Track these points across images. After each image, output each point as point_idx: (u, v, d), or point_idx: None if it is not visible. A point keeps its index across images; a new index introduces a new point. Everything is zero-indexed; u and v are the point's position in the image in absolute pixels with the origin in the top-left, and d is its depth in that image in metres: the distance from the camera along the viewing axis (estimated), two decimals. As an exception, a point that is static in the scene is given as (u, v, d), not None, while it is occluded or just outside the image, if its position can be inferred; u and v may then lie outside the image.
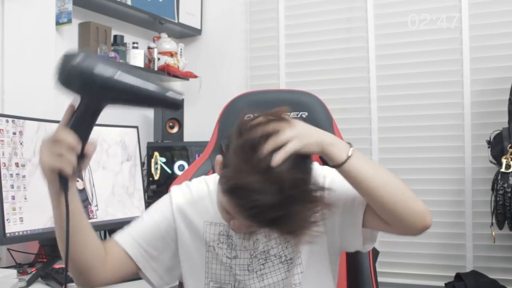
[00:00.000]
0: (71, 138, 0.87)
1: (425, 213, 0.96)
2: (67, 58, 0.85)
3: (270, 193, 0.85)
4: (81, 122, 0.89)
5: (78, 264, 1.00)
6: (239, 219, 0.94)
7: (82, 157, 0.90)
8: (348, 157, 0.94)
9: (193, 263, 1.12)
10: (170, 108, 0.92)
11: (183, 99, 0.92)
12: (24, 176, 1.64)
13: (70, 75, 0.85)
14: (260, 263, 1.08)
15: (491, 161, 2.09)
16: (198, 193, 1.14)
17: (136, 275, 1.13)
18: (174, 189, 1.16)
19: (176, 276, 1.15)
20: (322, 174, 1.07)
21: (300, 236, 0.90)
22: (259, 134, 0.89)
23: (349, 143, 0.96)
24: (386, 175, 0.96)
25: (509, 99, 2.06)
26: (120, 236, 1.10)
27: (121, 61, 2.32)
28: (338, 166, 0.94)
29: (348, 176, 0.95)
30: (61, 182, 0.88)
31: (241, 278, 1.08)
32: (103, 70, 0.86)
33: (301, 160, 0.90)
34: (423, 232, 0.97)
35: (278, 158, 0.87)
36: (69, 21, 2.01)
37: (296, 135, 0.91)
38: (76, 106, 0.90)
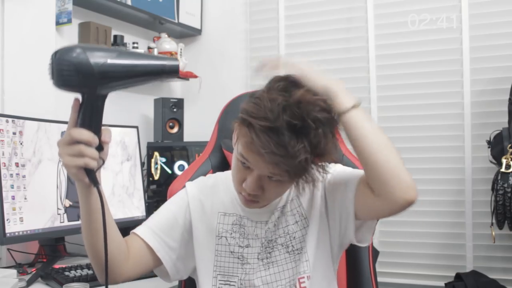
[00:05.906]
0: (85, 134, 0.87)
1: (412, 186, 0.96)
2: (59, 60, 0.83)
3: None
4: (90, 116, 0.89)
5: (103, 260, 0.96)
6: (257, 164, 0.97)
7: (101, 148, 0.91)
8: (352, 108, 0.96)
9: (203, 257, 1.14)
10: (170, 76, 0.93)
11: (179, 64, 0.92)
12: (24, 176, 1.64)
13: (65, 77, 0.83)
14: (267, 251, 1.11)
15: (491, 161, 2.09)
16: (214, 184, 1.19)
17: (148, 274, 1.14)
18: (189, 183, 1.20)
19: (188, 269, 1.16)
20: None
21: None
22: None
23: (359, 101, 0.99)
24: (383, 138, 1.00)
25: (509, 99, 2.06)
26: (139, 229, 1.12)
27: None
28: (340, 114, 0.97)
29: (348, 128, 0.98)
30: (89, 177, 0.89)
31: (250, 267, 1.10)
32: (96, 59, 0.84)
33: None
34: (407, 207, 0.96)
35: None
36: (69, 21, 2.01)
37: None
38: (80, 103, 0.89)
